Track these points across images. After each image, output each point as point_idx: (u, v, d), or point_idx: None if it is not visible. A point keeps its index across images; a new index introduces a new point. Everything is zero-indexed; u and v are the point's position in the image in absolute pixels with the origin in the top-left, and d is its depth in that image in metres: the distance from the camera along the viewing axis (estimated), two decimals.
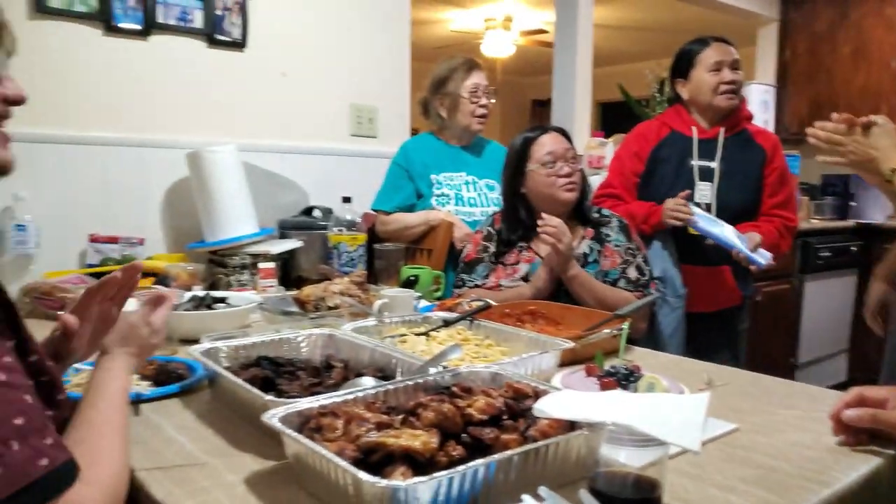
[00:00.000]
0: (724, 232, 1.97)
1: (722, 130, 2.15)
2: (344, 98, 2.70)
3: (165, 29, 2.24)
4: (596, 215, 1.87)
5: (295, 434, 0.75)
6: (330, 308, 1.58)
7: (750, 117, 2.25)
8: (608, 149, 3.52)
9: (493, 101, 2.34)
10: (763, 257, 1.96)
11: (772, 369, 1.37)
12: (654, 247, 2.10)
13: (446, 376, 0.97)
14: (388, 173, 2.38)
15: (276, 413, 0.80)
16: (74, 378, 1.11)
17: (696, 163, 2.14)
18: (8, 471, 0.58)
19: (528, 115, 9.69)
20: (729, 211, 2.08)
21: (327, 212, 2.26)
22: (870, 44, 4.26)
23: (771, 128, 4.65)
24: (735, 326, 2.22)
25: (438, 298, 1.93)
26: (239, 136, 2.38)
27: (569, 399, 0.78)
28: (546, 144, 1.83)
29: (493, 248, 1.91)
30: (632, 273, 1.78)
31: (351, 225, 2.06)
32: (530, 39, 6.69)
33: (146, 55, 2.21)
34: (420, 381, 0.95)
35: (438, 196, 2.29)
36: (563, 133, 1.88)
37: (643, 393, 0.99)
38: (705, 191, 2.12)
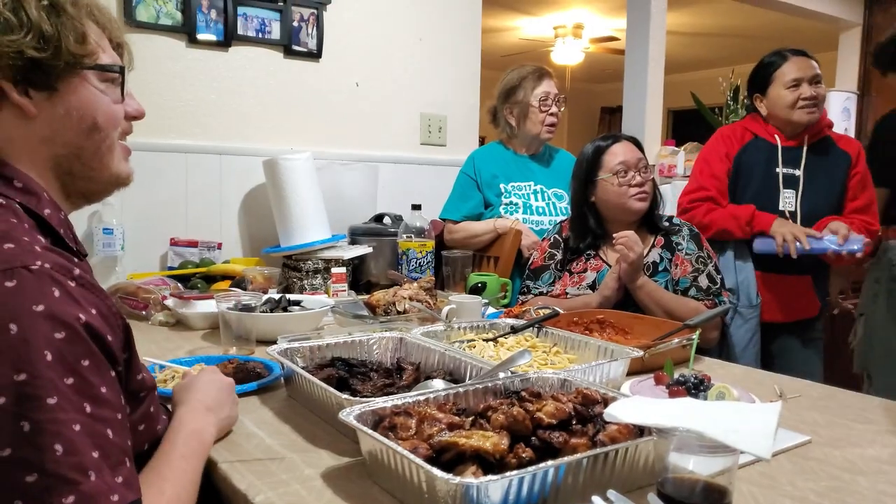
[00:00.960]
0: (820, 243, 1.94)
1: (805, 138, 2.11)
2: (414, 107, 2.76)
3: (244, 40, 2.35)
4: (666, 224, 1.85)
5: (370, 431, 0.78)
6: (399, 312, 1.62)
7: (831, 125, 2.20)
8: (679, 157, 3.47)
9: (562, 109, 2.35)
10: (856, 242, 1.90)
11: (847, 383, 1.32)
12: (727, 256, 2.06)
13: (515, 381, 0.99)
14: (457, 183, 2.42)
15: (351, 411, 0.84)
16: (159, 375, 1.19)
17: (781, 170, 2.10)
18: (81, 498, 0.60)
19: (597, 123, 9.59)
20: (813, 218, 2.03)
21: (397, 219, 2.32)
22: None
23: (852, 136, 4.46)
24: (812, 337, 2.15)
25: (505, 306, 1.94)
26: (313, 144, 2.47)
27: (639, 405, 0.79)
28: (618, 154, 1.82)
29: (559, 256, 1.91)
30: (703, 281, 1.76)
31: (420, 232, 2.10)
32: (600, 47, 6.64)
33: (226, 65, 2.33)
34: (490, 384, 0.97)
35: (507, 205, 2.31)
36: (635, 142, 1.88)
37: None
38: (789, 198, 2.08)
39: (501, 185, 2.33)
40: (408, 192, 2.57)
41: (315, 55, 2.50)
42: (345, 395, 0.92)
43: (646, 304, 1.71)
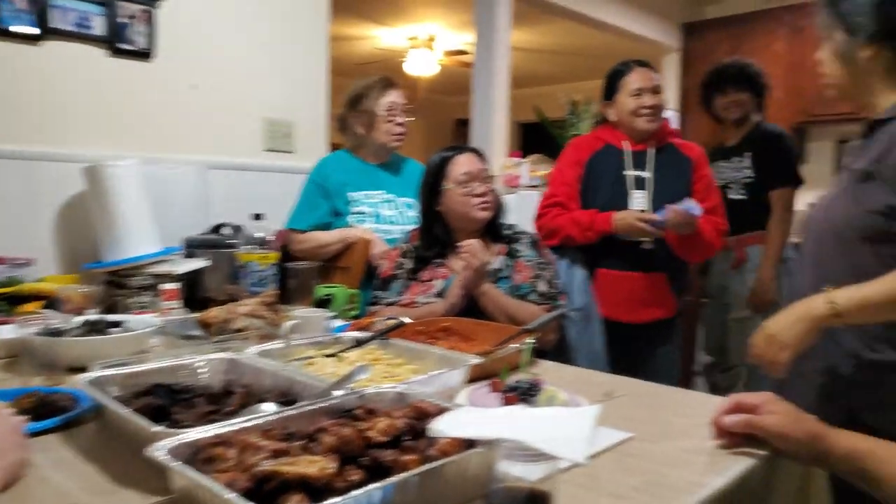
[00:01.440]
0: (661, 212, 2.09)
1: (652, 143, 2.26)
2: (258, 112, 2.65)
3: (61, 35, 2.12)
4: (508, 232, 1.91)
5: (180, 466, 0.71)
6: (236, 331, 1.52)
7: (675, 133, 2.38)
8: (524, 168, 3.61)
9: (410, 119, 2.35)
10: (695, 207, 2.06)
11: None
12: (561, 264, 2.15)
13: (351, 398, 0.96)
14: (304, 191, 2.35)
15: (163, 445, 0.76)
16: None
17: (629, 173, 2.23)
18: None
19: (452, 134, 9.80)
20: None
21: (237, 229, 2.20)
22: None
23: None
24: (669, 336, 2.28)
25: (354, 317, 1.90)
26: (143, 149, 2.29)
27: (465, 417, 0.78)
28: (462, 164, 1.87)
29: (409, 265, 1.91)
30: (542, 286, 1.82)
31: (262, 243, 2.01)
32: (452, 59, 6.80)
33: (38, 62, 2.09)
34: (323, 404, 0.93)
35: (356, 214, 2.27)
36: (478, 153, 1.93)
37: (543, 406, 1.01)
38: (640, 198, 2.21)
39: (350, 194, 2.29)
40: (250, 200, 2.45)
41: (146, 54, 2.32)
42: (157, 427, 0.84)
43: (489, 309, 1.75)
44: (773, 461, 0.97)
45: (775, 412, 0.95)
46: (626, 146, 2.26)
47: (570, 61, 6.86)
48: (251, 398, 1.05)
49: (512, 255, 1.86)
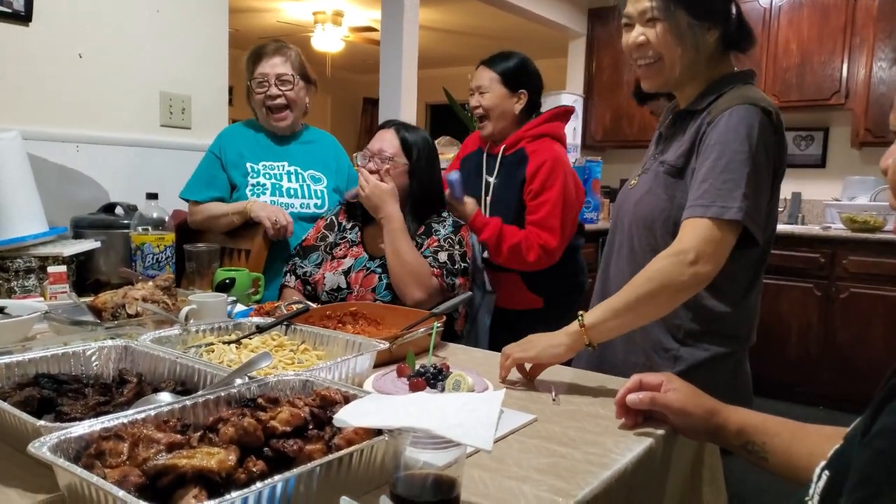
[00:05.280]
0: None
1: (502, 148, 2.21)
2: (153, 85, 2.51)
3: None
4: (434, 215, 1.89)
5: (66, 463, 0.67)
6: (130, 316, 1.45)
7: (538, 135, 2.19)
8: None
9: (287, 90, 2.16)
10: (452, 175, 2.10)
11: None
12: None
13: (253, 387, 0.93)
14: (202, 161, 2.25)
15: (47, 440, 0.71)
16: None
17: (485, 178, 2.24)
18: None
19: (360, 113, 9.65)
20: None
21: (131, 209, 2.07)
22: None
23: (578, 135, 5.04)
24: (547, 322, 2.34)
25: (257, 302, 1.85)
26: (23, 122, 2.12)
27: (370, 405, 0.78)
28: (373, 140, 1.89)
29: (330, 238, 1.92)
30: (441, 257, 1.78)
31: (158, 224, 1.90)
32: (359, 36, 6.67)
33: None
34: (223, 394, 0.90)
35: (254, 186, 2.17)
36: (394, 129, 1.89)
37: (449, 391, 1.02)
38: (488, 203, 2.23)
39: (249, 165, 2.19)
40: (145, 178, 2.32)
41: (23, 17, 2.13)
42: (40, 422, 0.78)
43: (385, 243, 1.78)
44: (670, 438, 1.02)
45: (677, 389, 1.00)
46: (486, 150, 2.27)
47: (479, 43, 6.90)
48: (146, 388, 1.01)
49: (428, 233, 1.84)
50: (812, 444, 0.88)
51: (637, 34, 1.37)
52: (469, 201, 2.13)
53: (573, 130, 5.05)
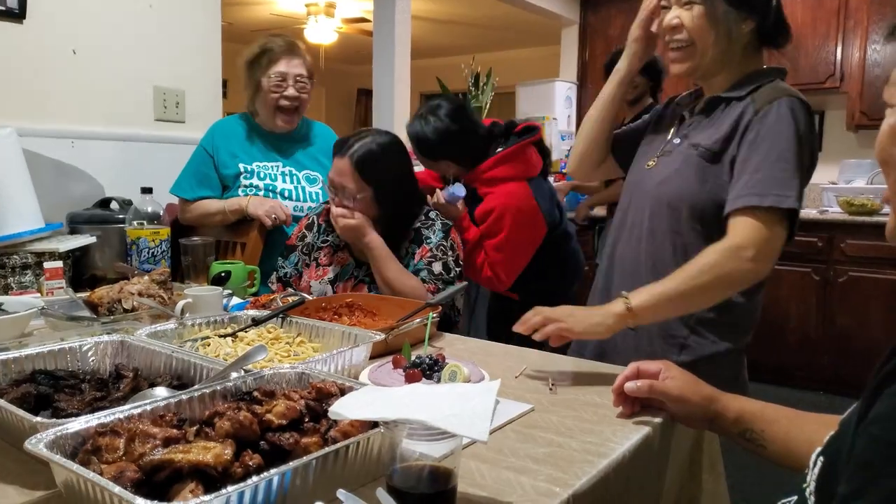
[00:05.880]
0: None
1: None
2: (147, 80, 2.49)
3: None
4: (422, 219, 1.79)
5: (62, 459, 0.67)
6: (126, 311, 1.45)
7: (490, 179, 2.11)
8: None
9: (303, 94, 2.13)
10: (454, 189, 2.06)
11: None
12: None
13: (248, 380, 0.93)
14: (193, 156, 2.20)
15: (44, 437, 0.71)
16: None
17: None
18: None
19: (354, 104, 9.62)
20: None
21: (126, 204, 2.07)
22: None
23: (573, 123, 5.04)
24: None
25: (253, 294, 1.85)
26: (19, 118, 2.11)
27: (366, 397, 0.78)
28: (333, 170, 1.73)
29: (309, 239, 1.87)
30: (436, 268, 1.71)
31: (153, 218, 1.90)
32: (352, 27, 6.64)
33: None
34: (218, 387, 0.90)
35: (246, 187, 2.13)
36: (354, 160, 1.68)
37: (445, 382, 1.02)
38: None
39: (242, 165, 2.15)
40: (140, 173, 2.32)
41: (17, 15, 2.12)
42: (37, 418, 0.78)
43: (372, 270, 1.71)
44: (668, 427, 1.02)
45: (675, 377, 1.00)
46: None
47: (472, 32, 6.87)
48: (142, 383, 1.01)
49: (418, 241, 1.76)
50: (810, 431, 0.88)
51: (672, 16, 1.35)
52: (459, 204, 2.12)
53: (566, 118, 5.05)
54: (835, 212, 4.09)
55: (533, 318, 1.22)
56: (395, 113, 3.72)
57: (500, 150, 2.11)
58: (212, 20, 2.69)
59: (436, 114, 2.08)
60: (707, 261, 1.24)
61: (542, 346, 1.25)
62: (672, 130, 1.49)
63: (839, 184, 4.26)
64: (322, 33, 6.53)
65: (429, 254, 1.73)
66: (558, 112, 4.90)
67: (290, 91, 2.11)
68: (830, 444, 0.66)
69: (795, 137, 1.27)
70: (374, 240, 1.69)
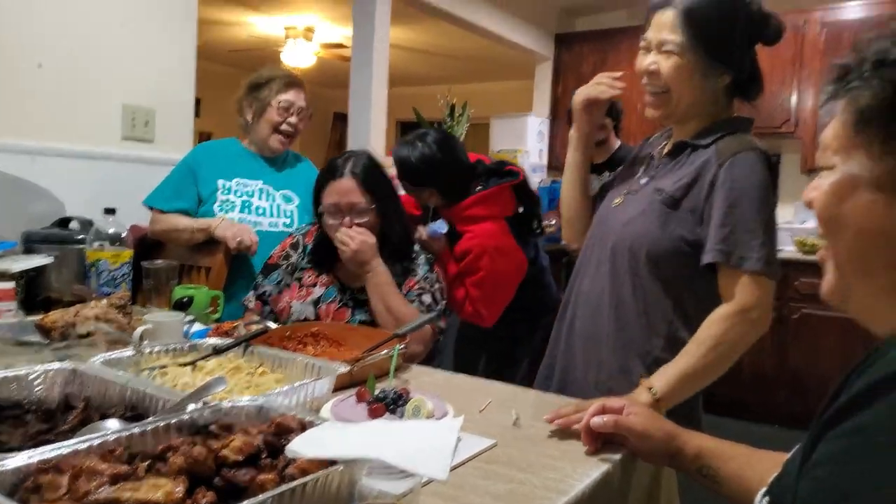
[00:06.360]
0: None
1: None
2: (115, 97, 2.46)
3: None
4: (410, 254, 1.81)
5: (1, 499, 0.63)
6: (81, 336, 1.40)
7: (468, 217, 2.07)
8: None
9: (300, 126, 2.29)
10: (436, 226, 2.06)
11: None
12: None
13: (206, 413, 0.90)
14: (174, 171, 2.23)
15: None
16: None
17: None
18: None
19: (330, 128, 9.63)
20: None
21: (86, 224, 2.01)
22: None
23: (544, 156, 5.10)
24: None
25: (216, 321, 1.80)
26: None
27: (326, 434, 0.76)
28: (330, 194, 1.74)
29: (293, 259, 1.85)
30: (426, 299, 1.74)
31: (115, 240, 1.85)
32: (330, 52, 6.66)
33: None
34: (173, 420, 0.86)
35: (223, 202, 2.15)
36: (358, 177, 1.73)
37: (409, 417, 1.00)
38: None
39: (221, 182, 2.18)
40: (104, 192, 2.26)
41: None
42: None
43: (371, 291, 1.70)
44: (628, 463, 1.02)
45: (638, 413, 1.02)
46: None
47: (449, 63, 6.96)
48: (93, 414, 0.97)
49: (405, 274, 1.78)
50: (763, 469, 0.88)
51: (650, 61, 1.37)
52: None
53: (538, 152, 5.11)
54: (789, 250, 4.17)
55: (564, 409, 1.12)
56: (370, 138, 3.72)
57: (479, 188, 2.11)
58: (187, 40, 2.67)
59: (424, 140, 2.08)
60: (718, 331, 1.27)
61: (507, 378, 1.24)
62: (641, 170, 1.51)
63: (794, 224, 4.36)
64: (300, 56, 6.55)
65: (417, 286, 1.75)
66: (530, 146, 4.96)
67: (293, 119, 2.26)
68: (774, 484, 0.67)
69: (763, 190, 1.30)
70: (380, 265, 1.71)
